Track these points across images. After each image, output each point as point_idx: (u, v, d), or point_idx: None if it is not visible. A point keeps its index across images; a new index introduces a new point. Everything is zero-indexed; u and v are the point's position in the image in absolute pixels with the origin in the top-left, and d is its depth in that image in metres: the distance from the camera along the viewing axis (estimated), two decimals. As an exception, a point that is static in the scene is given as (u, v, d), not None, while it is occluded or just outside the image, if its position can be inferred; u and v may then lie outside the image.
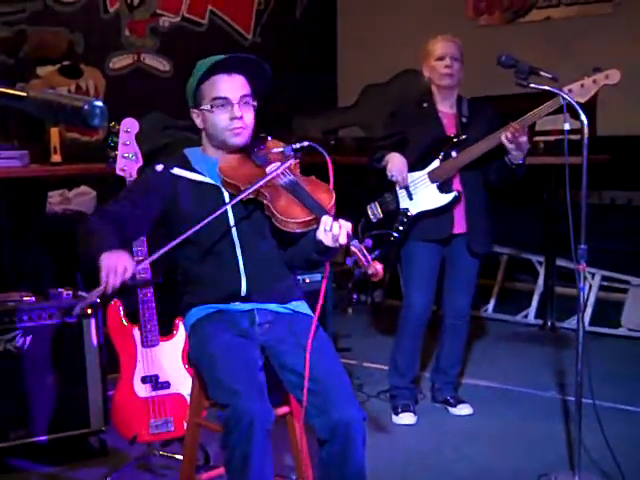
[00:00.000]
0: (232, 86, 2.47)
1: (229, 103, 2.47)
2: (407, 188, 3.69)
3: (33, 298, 3.30)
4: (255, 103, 2.52)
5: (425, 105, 3.74)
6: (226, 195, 2.51)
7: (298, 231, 2.38)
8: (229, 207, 2.47)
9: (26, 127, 5.07)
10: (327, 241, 2.28)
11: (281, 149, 2.49)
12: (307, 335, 2.40)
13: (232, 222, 2.50)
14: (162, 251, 2.32)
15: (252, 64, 2.51)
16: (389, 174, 3.63)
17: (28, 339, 3.21)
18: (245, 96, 2.49)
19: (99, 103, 1.23)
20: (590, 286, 5.30)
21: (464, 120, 3.70)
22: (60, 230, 4.80)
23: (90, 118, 1.23)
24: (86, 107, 1.23)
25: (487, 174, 3.71)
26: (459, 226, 3.72)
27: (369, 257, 2.22)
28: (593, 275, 5.34)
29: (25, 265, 4.43)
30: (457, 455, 3.44)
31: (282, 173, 2.45)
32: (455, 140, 3.65)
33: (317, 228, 2.31)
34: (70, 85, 5.75)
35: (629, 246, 5.47)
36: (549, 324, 5.40)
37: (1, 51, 5.45)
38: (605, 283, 5.37)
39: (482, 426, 3.76)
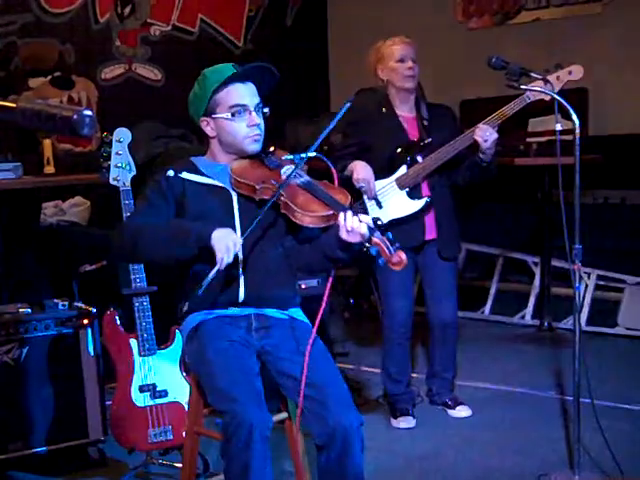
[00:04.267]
0: (248, 94, 2.52)
1: (247, 110, 2.50)
2: (375, 197, 3.62)
3: (29, 309, 3.29)
4: (266, 110, 2.56)
5: (384, 110, 3.70)
6: (234, 197, 2.52)
7: (317, 226, 2.39)
8: (237, 212, 2.50)
9: (19, 139, 5.06)
10: (348, 236, 2.29)
11: (291, 157, 2.53)
12: (305, 341, 2.40)
13: (238, 226, 2.49)
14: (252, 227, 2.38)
15: (263, 71, 2.55)
16: (356, 184, 3.55)
17: (25, 350, 3.20)
18: (259, 104, 2.54)
19: (88, 112, 1.24)
20: (586, 286, 5.31)
21: (425, 123, 3.65)
22: (55, 241, 4.80)
23: (80, 127, 1.23)
24: (75, 117, 1.23)
25: (454, 176, 3.67)
26: (430, 232, 3.67)
27: (391, 247, 2.27)
28: (589, 275, 5.35)
29: (20, 277, 4.42)
30: (457, 457, 3.44)
31: (298, 174, 2.47)
32: (421, 144, 3.59)
33: (338, 225, 2.33)
34: (62, 96, 5.75)
35: (624, 245, 5.48)
36: (546, 324, 5.40)
37: (-8, 63, 5.46)
38: (601, 282, 5.37)
39: (481, 428, 3.75)
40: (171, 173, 2.53)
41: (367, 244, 2.28)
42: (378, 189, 3.61)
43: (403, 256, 2.27)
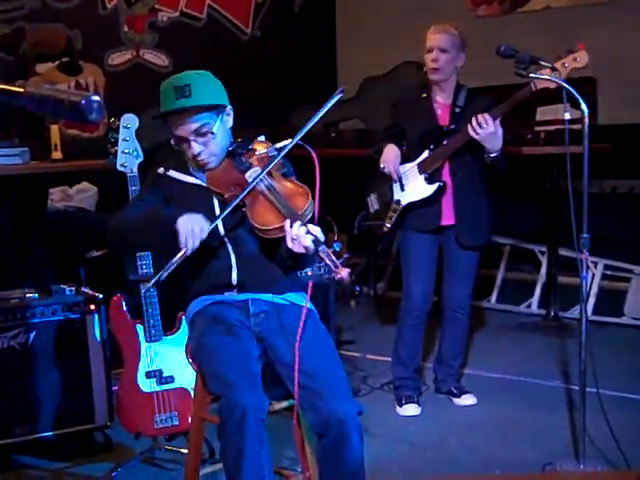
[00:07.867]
0: (183, 126, 2.44)
1: (186, 141, 2.48)
2: (400, 179, 3.70)
3: (36, 295, 3.31)
4: (213, 131, 2.46)
5: (424, 95, 3.74)
6: (215, 198, 2.53)
7: (275, 237, 2.38)
8: (217, 211, 2.51)
9: (26, 124, 5.06)
10: (293, 245, 2.27)
11: (264, 150, 2.49)
12: (304, 329, 2.38)
13: (221, 225, 2.51)
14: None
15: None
16: (381, 166, 3.66)
17: (32, 335, 3.22)
18: (199, 128, 2.45)
19: (96, 98, 1.23)
20: (593, 275, 5.30)
21: (457, 110, 3.67)
22: (62, 227, 4.81)
23: (88, 113, 1.23)
24: (83, 102, 1.23)
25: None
26: (447, 218, 3.70)
27: (337, 262, 2.18)
28: (596, 264, 5.34)
29: (27, 262, 4.43)
30: (461, 445, 3.44)
31: (261, 178, 2.43)
32: (445, 131, 3.63)
33: None
34: (69, 82, 5.75)
35: (631, 235, 5.47)
36: (552, 314, 5.39)
37: (0, 49, 5.45)
38: (608, 272, 5.37)
39: (486, 416, 3.76)
40: (161, 171, 2.60)
41: (316, 255, 2.21)
42: (403, 172, 3.69)
43: (344, 273, 2.17)
